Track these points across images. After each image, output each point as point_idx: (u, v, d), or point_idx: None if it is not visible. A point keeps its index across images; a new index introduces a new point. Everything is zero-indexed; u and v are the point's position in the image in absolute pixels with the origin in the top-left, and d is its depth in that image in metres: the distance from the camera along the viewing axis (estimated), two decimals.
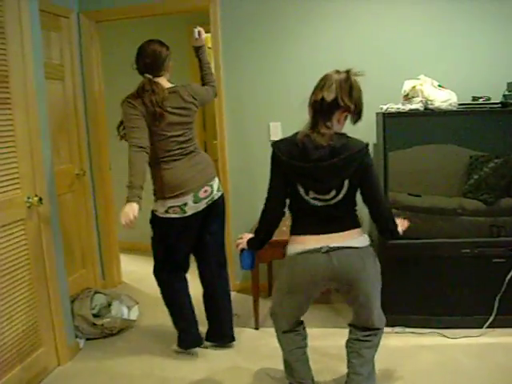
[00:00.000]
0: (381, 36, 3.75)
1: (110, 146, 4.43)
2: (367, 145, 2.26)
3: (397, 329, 3.30)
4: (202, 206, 3.01)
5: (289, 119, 3.95)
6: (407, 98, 3.33)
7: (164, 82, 2.97)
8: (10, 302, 2.71)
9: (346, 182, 2.27)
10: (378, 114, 3.37)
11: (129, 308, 3.60)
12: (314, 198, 2.30)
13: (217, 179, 3.13)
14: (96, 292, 3.60)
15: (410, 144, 3.30)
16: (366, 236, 2.41)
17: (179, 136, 2.95)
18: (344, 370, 2.58)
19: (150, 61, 2.91)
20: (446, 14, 3.63)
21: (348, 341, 2.58)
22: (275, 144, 2.36)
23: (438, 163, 3.33)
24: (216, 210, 3.13)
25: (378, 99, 3.40)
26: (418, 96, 3.25)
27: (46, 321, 3.01)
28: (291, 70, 3.93)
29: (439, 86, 3.29)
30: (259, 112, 4.05)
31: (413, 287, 3.32)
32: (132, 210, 2.65)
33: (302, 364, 2.62)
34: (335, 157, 2.23)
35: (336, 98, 2.22)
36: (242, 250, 2.61)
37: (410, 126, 3.32)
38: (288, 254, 2.42)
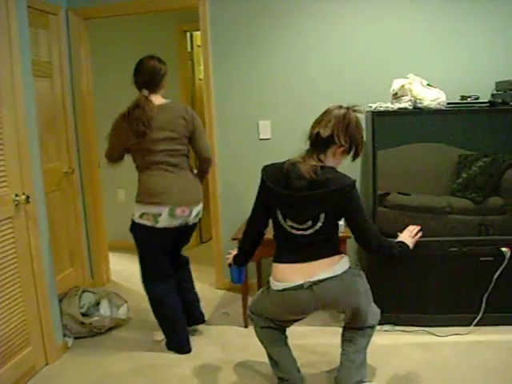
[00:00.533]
0: (369, 35, 3.76)
1: (98, 144, 4.39)
2: (354, 182, 2.27)
3: (386, 327, 3.31)
4: (174, 223, 3.04)
5: (278, 117, 3.97)
6: (396, 96, 3.34)
7: (157, 98, 3.02)
8: None
9: (322, 215, 2.29)
10: (367, 112, 3.38)
11: (117, 306, 3.59)
12: (292, 227, 2.35)
13: (199, 206, 3.16)
14: (84, 290, 3.58)
15: (399, 143, 3.31)
16: (345, 258, 2.43)
17: (167, 150, 2.99)
18: (334, 365, 2.58)
19: (148, 77, 2.99)
20: (433, 13, 3.65)
21: (343, 330, 2.60)
22: (264, 169, 2.42)
23: (427, 162, 3.34)
24: (186, 233, 3.25)
25: (367, 98, 3.42)
26: (406, 95, 3.26)
27: (34, 319, 2.98)
28: (280, 69, 3.93)
29: (428, 84, 3.30)
30: (248, 110, 4.04)
31: (401, 285, 3.33)
32: None
33: (286, 356, 2.64)
34: (313, 189, 2.26)
35: (332, 135, 2.27)
36: (231, 265, 2.71)
37: (399, 125, 3.33)
38: (271, 287, 2.45)
